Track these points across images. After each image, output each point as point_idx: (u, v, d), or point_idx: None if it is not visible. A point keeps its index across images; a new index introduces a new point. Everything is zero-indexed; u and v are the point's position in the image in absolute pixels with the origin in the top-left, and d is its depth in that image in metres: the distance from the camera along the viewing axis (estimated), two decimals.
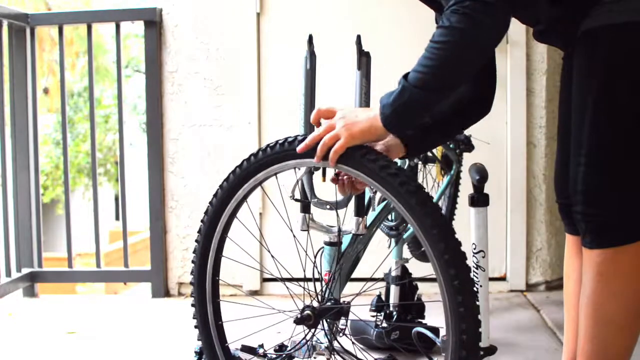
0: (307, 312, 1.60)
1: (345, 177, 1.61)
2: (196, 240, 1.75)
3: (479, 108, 1.78)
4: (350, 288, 1.80)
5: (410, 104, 1.45)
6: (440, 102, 1.52)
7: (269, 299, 3.16)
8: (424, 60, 1.44)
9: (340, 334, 1.70)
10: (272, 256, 1.70)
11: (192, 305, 1.78)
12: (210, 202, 1.70)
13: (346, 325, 1.71)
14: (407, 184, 1.43)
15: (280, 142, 1.57)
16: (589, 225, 1.52)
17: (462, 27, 1.40)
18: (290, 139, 1.56)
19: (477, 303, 1.38)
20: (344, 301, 1.67)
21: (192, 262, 1.76)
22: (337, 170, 1.54)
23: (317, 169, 1.62)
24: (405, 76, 1.46)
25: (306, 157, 1.53)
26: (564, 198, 1.70)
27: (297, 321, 1.60)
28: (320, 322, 1.63)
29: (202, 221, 1.72)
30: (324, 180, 1.63)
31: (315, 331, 1.64)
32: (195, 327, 1.77)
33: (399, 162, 1.82)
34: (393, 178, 1.44)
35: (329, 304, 1.65)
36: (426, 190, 1.46)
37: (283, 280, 1.68)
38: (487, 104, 1.78)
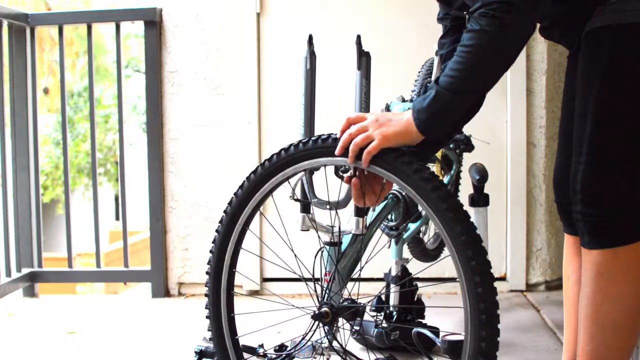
0: (325, 309, 1.61)
1: (365, 185, 1.60)
2: (216, 231, 1.75)
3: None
4: (365, 289, 1.79)
5: (445, 108, 1.47)
6: (474, 103, 1.54)
7: (270, 299, 3.16)
8: (454, 64, 1.46)
9: (354, 334, 1.70)
10: (295, 255, 1.70)
11: (206, 295, 1.77)
12: (235, 194, 1.69)
13: (359, 326, 1.71)
14: (439, 189, 1.43)
15: (313, 139, 1.56)
16: (588, 226, 1.52)
17: (492, 31, 1.41)
18: (324, 137, 1.55)
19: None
20: (360, 302, 1.68)
21: (210, 252, 1.76)
22: (367, 171, 1.54)
23: (346, 170, 1.60)
24: (437, 81, 1.48)
25: (339, 156, 1.52)
26: (563, 198, 1.70)
27: (315, 316, 1.61)
28: (336, 320, 1.63)
29: (224, 212, 1.72)
30: (347, 182, 1.61)
31: (331, 328, 1.64)
32: (207, 317, 1.77)
33: None
34: (426, 183, 1.44)
35: (345, 303, 1.66)
36: (458, 198, 1.45)
37: (305, 280, 1.68)
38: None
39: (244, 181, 1.67)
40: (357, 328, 1.72)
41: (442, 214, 1.42)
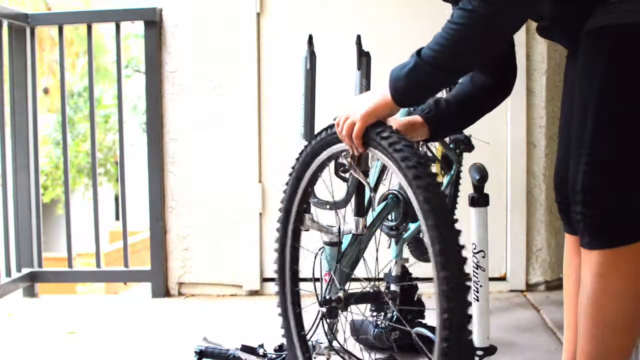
0: (339, 294, 1.65)
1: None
2: (277, 229, 1.80)
3: (497, 94, 1.84)
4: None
5: (421, 80, 1.49)
6: (451, 82, 1.56)
7: (270, 298, 3.17)
8: (440, 39, 1.46)
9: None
10: (314, 254, 1.73)
11: (277, 293, 1.83)
12: (284, 191, 1.73)
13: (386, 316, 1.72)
14: (408, 159, 1.42)
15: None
16: (588, 226, 1.51)
17: (483, 13, 1.42)
18: None
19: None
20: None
21: (275, 250, 1.83)
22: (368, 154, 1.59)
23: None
24: (419, 52, 1.49)
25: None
26: (564, 197, 1.70)
27: (325, 302, 1.64)
28: (348, 307, 1.67)
29: (280, 210, 1.76)
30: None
31: (342, 314, 1.68)
32: (279, 315, 1.82)
33: None
34: (398, 153, 1.44)
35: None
36: (431, 169, 1.45)
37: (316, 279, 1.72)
38: (506, 89, 1.84)
39: (288, 179, 1.72)
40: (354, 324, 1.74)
41: (411, 184, 1.41)
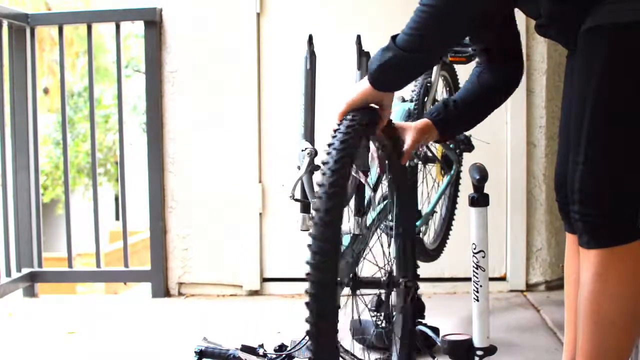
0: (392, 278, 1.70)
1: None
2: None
3: (504, 90, 1.90)
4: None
5: (393, 64, 1.53)
6: (424, 66, 1.60)
7: (270, 298, 3.17)
8: (410, 22, 1.53)
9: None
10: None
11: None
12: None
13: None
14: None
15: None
16: (586, 226, 1.52)
17: None
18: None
19: None
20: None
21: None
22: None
23: None
24: (395, 36, 1.55)
25: None
26: (564, 197, 1.70)
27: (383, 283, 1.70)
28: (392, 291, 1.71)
29: None
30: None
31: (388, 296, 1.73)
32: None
33: None
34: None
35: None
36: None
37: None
38: (513, 85, 1.89)
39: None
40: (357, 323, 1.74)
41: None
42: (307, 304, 1.34)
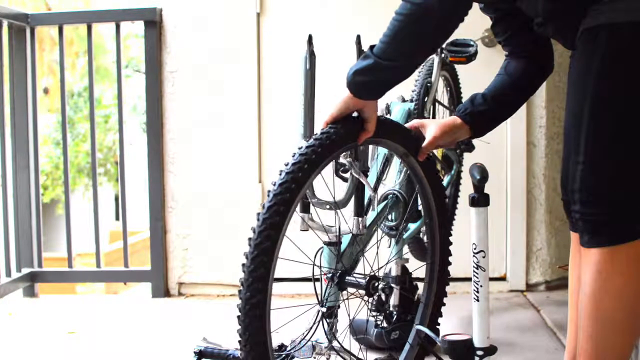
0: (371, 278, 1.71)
1: None
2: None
3: (538, 76, 1.89)
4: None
5: (371, 72, 1.56)
6: (400, 75, 1.60)
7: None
8: (387, 31, 1.54)
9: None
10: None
11: None
12: None
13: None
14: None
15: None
16: (586, 225, 1.52)
17: (422, 4, 1.49)
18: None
19: None
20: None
21: None
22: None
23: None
24: (372, 46, 1.57)
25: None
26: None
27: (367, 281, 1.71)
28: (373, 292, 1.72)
29: None
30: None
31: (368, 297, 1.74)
32: None
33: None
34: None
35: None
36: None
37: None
38: (547, 70, 1.89)
39: None
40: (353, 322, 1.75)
41: None
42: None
